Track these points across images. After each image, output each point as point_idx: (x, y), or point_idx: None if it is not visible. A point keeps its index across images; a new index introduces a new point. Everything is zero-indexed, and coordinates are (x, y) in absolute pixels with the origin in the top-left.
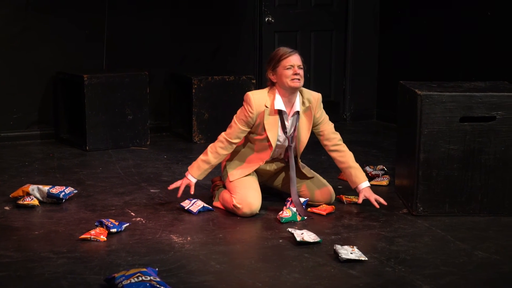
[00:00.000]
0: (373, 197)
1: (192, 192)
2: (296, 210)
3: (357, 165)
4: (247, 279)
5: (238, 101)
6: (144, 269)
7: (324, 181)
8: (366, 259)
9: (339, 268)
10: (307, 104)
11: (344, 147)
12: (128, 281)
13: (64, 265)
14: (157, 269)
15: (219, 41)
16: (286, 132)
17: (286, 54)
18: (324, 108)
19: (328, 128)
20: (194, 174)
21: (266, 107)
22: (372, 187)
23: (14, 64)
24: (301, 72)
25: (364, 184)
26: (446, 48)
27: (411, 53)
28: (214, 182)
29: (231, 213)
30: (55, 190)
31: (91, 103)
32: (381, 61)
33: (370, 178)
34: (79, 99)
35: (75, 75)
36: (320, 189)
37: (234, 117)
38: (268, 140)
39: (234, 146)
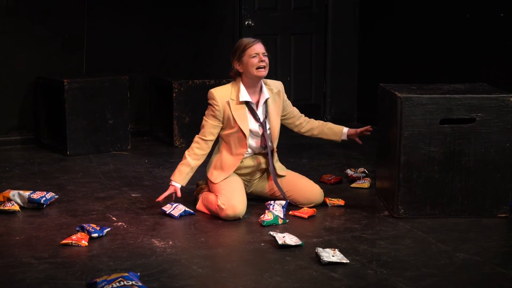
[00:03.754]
0: (357, 132)
1: (179, 196)
2: (280, 195)
3: (327, 122)
4: (229, 283)
5: None
6: (126, 274)
7: (311, 181)
8: (348, 261)
9: (321, 271)
10: (275, 90)
11: (311, 119)
12: (110, 286)
13: (45, 271)
14: (138, 273)
15: (199, 44)
16: (258, 119)
17: (250, 43)
18: (304, 111)
19: (295, 109)
20: (177, 180)
21: (232, 99)
22: (354, 189)
23: None
24: (266, 59)
25: (345, 129)
26: (426, 50)
27: (391, 56)
28: (199, 185)
29: (213, 217)
30: (36, 195)
31: (71, 108)
32: (361, 63)
33: (352, 180)
34: (59, 104)
35: (55, 80)
36: (309, 189)
37: (204, 117)
38: (241, 130)
39: (210, 144)
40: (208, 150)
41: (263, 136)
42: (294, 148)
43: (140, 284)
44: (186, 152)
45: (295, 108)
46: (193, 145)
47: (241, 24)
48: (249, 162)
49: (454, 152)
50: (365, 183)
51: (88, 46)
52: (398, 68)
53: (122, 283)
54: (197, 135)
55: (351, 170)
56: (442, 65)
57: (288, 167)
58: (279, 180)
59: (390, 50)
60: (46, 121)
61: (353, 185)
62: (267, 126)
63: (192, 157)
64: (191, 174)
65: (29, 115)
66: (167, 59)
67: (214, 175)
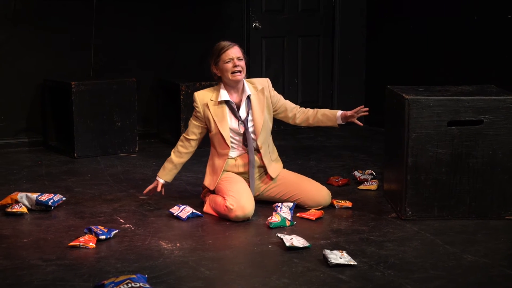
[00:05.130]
0: (347, 114)
1: (158, 190)
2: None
3: (322, 109)
4: (236, 285)
5: None
6: (134, 276)
7: (318, 183)
8: (356, 263)
9: (329, 273)
10: (259, 88)
11: (307, 108)
12: None
13: (53, 273)
14: (146, 275)
15: (206, 46)
16: (239, 118)
17: (225, 48)
18: None
19: (287, 102)
20: (160, 175)
21: (211, 100)
22: (361, 191)
23: (1, 72)
24: (241, 63)
25: (339, 112)
26: (433, 52)
27: (398, 57)
28: (205, 188)
29: (220, 219)
30: (44, 197)
31: (79, 110)
32: (368, 65)
33: (359, 182)
34: (67, 106)
35: (62, 82)
36: (317, 191)
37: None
38: (219, 131)
39: (192, 143)
40: (191, 149)
41: (244, 134)
42: (301, 150)
43: (147, 286)
44: (172, 151)
45: (287, 101)
46: (178, 143)
47: (249, 26)
48: (242, 160)
49: (461, 154)
50: (372, 185)
51: (95, 48)
52: (405, 70)
53: (129, 285)
54: (182, 134)
55: (358, 172)
56: (450, 66)
57: (295, 170)
58: (276, 182)
59: (398, 51)
60: (54, 123)
61: (361, 187)
62: (250, 124)
63: (176, 155)
64: (175, 171)
65: (37, 117)
66: (175, 61)
67: (207, 180)
